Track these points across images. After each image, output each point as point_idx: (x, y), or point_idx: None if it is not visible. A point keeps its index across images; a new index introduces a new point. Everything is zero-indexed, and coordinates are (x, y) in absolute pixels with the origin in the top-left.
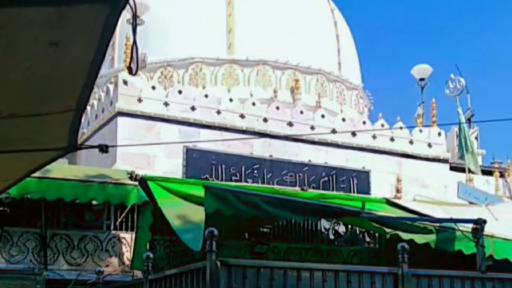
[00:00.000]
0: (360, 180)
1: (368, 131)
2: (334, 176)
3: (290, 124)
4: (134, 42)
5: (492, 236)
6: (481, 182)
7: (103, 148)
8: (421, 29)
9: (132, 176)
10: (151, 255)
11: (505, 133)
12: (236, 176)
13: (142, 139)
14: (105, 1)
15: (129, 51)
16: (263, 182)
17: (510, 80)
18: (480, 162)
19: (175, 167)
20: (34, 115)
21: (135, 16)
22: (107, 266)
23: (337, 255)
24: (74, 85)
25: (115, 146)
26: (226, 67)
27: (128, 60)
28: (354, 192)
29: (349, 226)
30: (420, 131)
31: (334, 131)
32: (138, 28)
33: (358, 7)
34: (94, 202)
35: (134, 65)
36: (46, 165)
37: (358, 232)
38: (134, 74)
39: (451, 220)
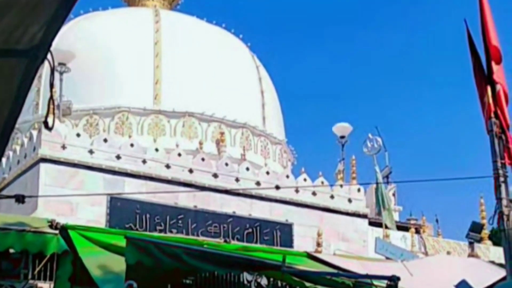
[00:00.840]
0: (283, 232)
1: (291, 187)
2: (258, 228)
3: (215, 175)
4: (51, 96)
5: None
6: (398, 237)
7: (20, 199)
8: (342, 89)
9: (52, 224)
10: None
11: (421, 191)
12: (160, 225)
13: (65, 186)
14: (22, 55)
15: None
16: (187, 233)
17: (427, 138)
18: (397, 218)
19: (98, 215)
20: None
21: (53, 71)
22: None
23: None
24: None
25: (32, 196)
26: (152, 117)
27: (46, 116)
28: (277, 244)
29: (271, 279)
30: (341, 186)
31: (258, 184)
32: (64, 76)
33: (281, 65)
34: (11, 250)
35: (51, 120)
36: None
37: (280, 285)
38: (51, 129)
39: (367, 276)
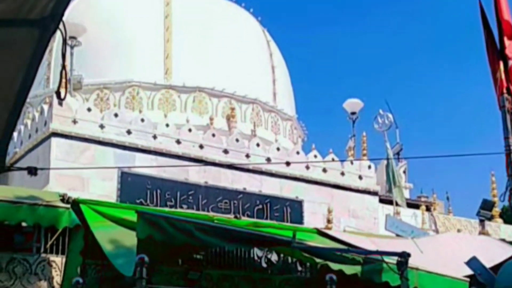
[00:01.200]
0: (293, 209)
1: (301, 162)
2: (268, 205)
3: (225, 151)
4: (63, 67)
5: (417, 269)
6: (408, 215)
7: (32, 171)
8: (354, 64)
9: (64, 198)
10: (80, 280)
11: (432, 168)
12: (171, 201)
13: (76, 161)
14: (34, 25)
15: (64, 76)
16: (198, 209)
17: (438, 115)
18: (407, 195)
19: (109, 190)
20: None
21: (65, 42)
22: None
23: (269, 284)
24: (2, 106)
25: (44, 169)
26: (163, 92)
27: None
28: (287, 221)
29: (281, 255)
30: (351, 163)
31: (268, 160)
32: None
33: (293, 41)
34: (24, 224)
35: (63, 90)
36: None
37: (290, 261)
38: (63, 99)
39: (377, 252)
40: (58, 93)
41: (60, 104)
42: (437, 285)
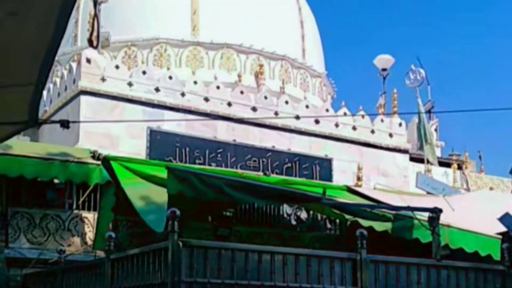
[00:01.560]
0: (322, 167)
1: (331, 116)
2: (297, 163)
3: (254, 109)
4: (95, 15)
5: (448, 226)
6: (439, 173)
7: (65, 124)
8: (384, 19)
9: (95, 155)
10: (113, 235)
11: (464, 126)
12: (200, 159)
13: (105, 118)
14: None
15: (89, 30)
16: (226, 166)
17: (470, 73)
18: (439, 153)
19: (138, 149)
20: None
21: None
22: (69, 245)
23: (298, 241)
24: (34, 58)
25: (77, 122)
26: (190, 49)
27: (91, 34)
28: (316, 179)
29: (311, 212)
30: (382, 120)
31: (297, 117)
32: (102, 6)
33: None
34: (56, 181)
35: (96, 39)
36: (6, 139)
37: (319, 218)
38: (96, 47)
39: (408, 208)
40: (90, 41)
41: (89, 61)
42: (469, 242)
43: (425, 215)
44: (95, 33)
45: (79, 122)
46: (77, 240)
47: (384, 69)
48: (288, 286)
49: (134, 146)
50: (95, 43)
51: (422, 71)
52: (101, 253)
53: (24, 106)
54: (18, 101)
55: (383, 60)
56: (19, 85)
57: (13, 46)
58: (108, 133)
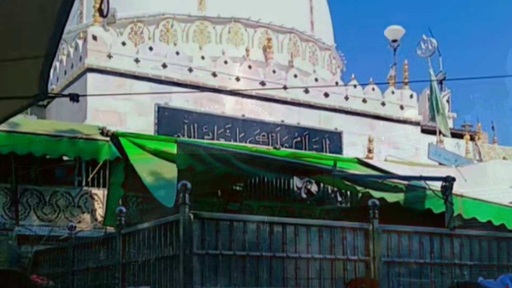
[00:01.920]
0: (332, 141)
1: (341, 86)
2: (306, 137)
3: (262, 83)
4: None
5: (461, 196)
6: (451, 144)
7: (74, 97)
8: None
9: (103, 131)
10: (124, 209)
11: (476, 97)
12: (208, 135)
13: (112, 95)
14: None
15: (97, 4)
16: (235, 142)
17: (481, 45)
18: (451, 125)
19: (146, 125)
20: (1, 60)
21: None
22: (79, 222)
23: (309, 214)
24: (43, 31)
25: (85, 95)
26: (197, 23)
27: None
28: (326, 153)
29: (321, 185)
30: (392, 92)
31: (307, 90)
32: None
33: None
34: (65, 158)
35: (106, 8)
36: (16, 114)
37: (330, 191)
38: (105, 16)
39: (421, 178)
40: (100, 10)
41: (95, 38)
42: (482, 211)
43: (437, 186)
44: (104, 1)
45: (88, 95)
46: (87, 216)
47: (394, 40)
48: (300, 257)
49: (142, 123)
50: (105, 11)
51: (433, 40)
52: (111, 230)
53: (34, 80)
54: (27, 74)
55: (394, 31)
56: (28, 58)
57: (20, 20)
58: (116, 110)
